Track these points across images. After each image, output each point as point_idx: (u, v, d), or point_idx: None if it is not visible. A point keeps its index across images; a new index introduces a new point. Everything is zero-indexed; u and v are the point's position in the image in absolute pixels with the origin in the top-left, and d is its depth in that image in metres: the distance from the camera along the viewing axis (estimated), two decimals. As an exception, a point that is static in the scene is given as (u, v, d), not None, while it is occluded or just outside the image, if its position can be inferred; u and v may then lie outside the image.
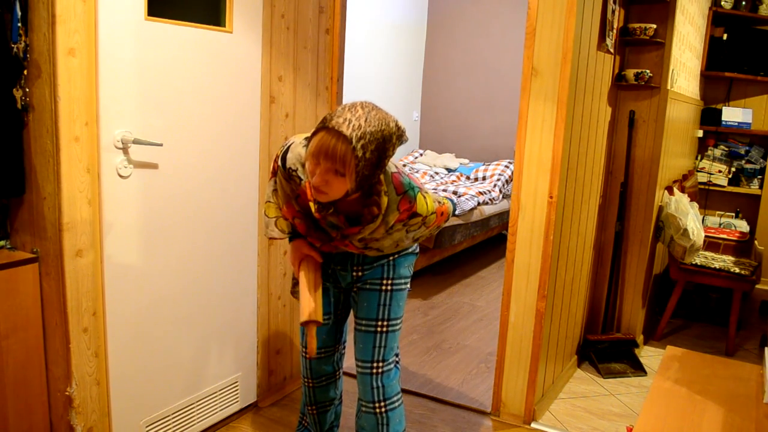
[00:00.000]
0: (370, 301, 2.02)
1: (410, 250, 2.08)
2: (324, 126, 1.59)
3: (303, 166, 1.79)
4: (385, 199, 1.75)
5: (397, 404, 2.07)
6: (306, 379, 2.23)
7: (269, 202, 2.00)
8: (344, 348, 2.30)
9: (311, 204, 1.80)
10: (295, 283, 2.23)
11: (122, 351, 2.16)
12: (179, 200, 2.30)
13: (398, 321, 2.06)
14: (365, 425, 2.08)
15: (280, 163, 1.86)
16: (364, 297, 2.04)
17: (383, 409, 2.04)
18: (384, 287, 2.03)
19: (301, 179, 1.82)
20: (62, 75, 1.82)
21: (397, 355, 2.10)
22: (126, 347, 2.18)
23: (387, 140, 1.62)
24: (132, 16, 2.02)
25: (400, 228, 1.87)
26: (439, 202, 1.97)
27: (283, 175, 1.86)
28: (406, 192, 1.79)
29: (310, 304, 1.89)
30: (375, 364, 2.03)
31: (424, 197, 1.86)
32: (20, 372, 1.94)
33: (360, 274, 2.04)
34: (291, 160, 1.82)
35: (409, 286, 2.10)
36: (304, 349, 2.17)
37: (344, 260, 2.04)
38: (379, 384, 2.03)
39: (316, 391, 2.24)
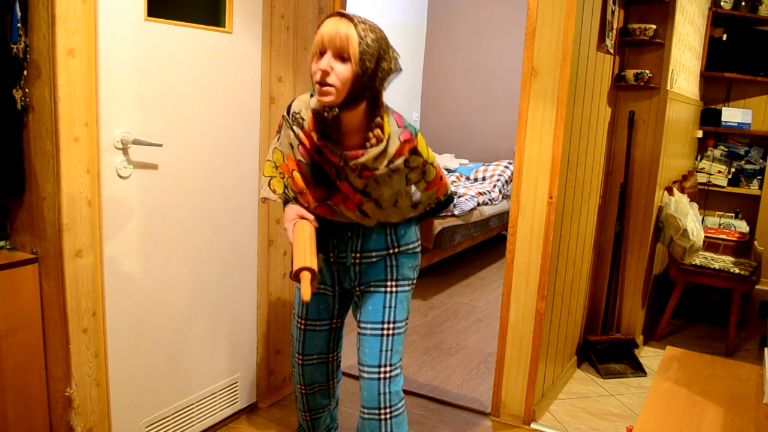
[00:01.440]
0: (375, 304, 1.98)
1: (411, 246, 2.03)
2: (329, 15, 1.71)
3: (307, 113, 1.87)
4: (389, 128, 1.80)
5: (400, 411, 2.01)
6: (299, 386, 2.17)
7: (269, 160, 1.98)
8: (340, 357, 2.23)
9: (313, 135, 1.82)
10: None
11: (122, 352, 2.16)
12: (179, 201, 2.30)
13: (404, 323, 2.01)
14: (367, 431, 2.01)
15: (285, 112, 1.92)
16: (368, 299, 1.99)
17: (388, 416, 1.97)
18: (389, 289, 1.99)
19: (304, 120, 1.85)
20: (62, 75, 1.82)
21: (400, 361, 2.05)
22: (126, 348, 2.18)
23: (384, 40, 1.72)
24: (132, 16, 2.02)
25: (401, 169, 1.84)
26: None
27: (288, 123, 1.90)
28: (407, 126, 1.84)
29: (303, 253, 1.78)
30: (383, 369, 1.96)
31: (425, 143, 1.89)
32: (20, 373, 1.94)
33: (358, 262, 1.98)
34: (296, 106, 1.90)
35: (412, 287, 2.06)
36: (298, 356, 2.13)
37: (344, 242, 1.98)
38: (387, 390, 1.96)
39: (309, 397, 2.18)
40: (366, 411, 1.99)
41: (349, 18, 1.67)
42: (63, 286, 1.92)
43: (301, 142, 1.86)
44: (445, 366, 3.41)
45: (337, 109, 1.73)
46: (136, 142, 2.08)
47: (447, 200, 2.09)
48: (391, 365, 1.97)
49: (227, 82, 2.42)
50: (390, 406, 1.97)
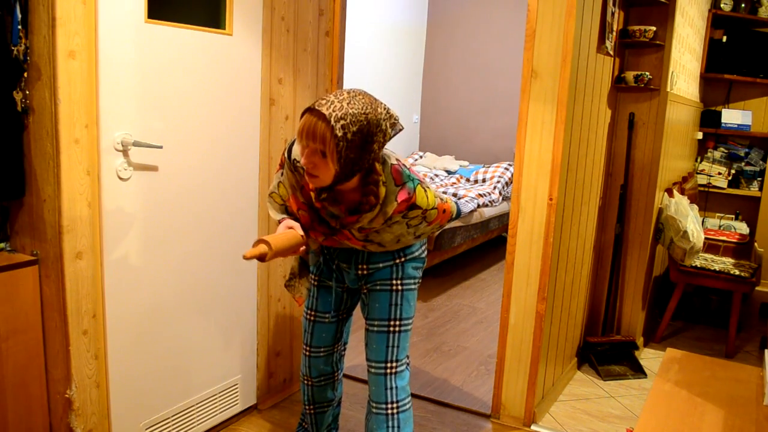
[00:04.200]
0: (382, 302, 2.03)
1: (417, 254, 2.07)
2: (308, 108, 1.66)
3: None
4: (383, 189, 1.79)
5: (407, 406, 2.07)
6: (305, 377, 2.24)
7: (275, 193, 2.05)
8: (344, 349, 2.30)
9: (312, 194, 1.85)
10: (291, 277, 2.25)
11: (122, 353, 2.16)
12: (179, 202, 2.30)
13: (410, 321, 2.07)
14: (375, 427, 2.07)
15: (286, 155, 1.93)
16: (375, 298, 2.04)
17: (395, 411, 2.04)
18: (395, 287, 2.03)
19: (304, 170, 1.84)
20: (62, 77, 1.82)
21: (407, 356, 2.11)
22: (126, 349, 2.17)
23: (372, 123, 1.65)
24: (132, 18, 2.02)
25: (400, 220, 1.87)
26: (442, 200, 1.98)
27: (288, 166, 1.92)
28: (405, 183, 1.82)
29: (270, 234, 1.85)
30: (389, 365, 2.03)
31: (425, 190, 1.87)
32: (20, 374, 1.94)
33: (365, 272, 2.04)
34: (296, 152, 1.88)
35: (417, 285, 2.10)
36: (306, 347, 2.20)
37: (348, 258, 2.04)
38: (394, 385, 2.03)
39: (315, 390, 2.25)
40: (374, 405, 2.06)
41: (324, 118, 1.60)
42: (63, 288, 1.92)
43: (302, 187, 1.90)
44: (446, 368, 3.41)
45: (330, 194, 1.80)
46: (136, 144, 2.08)
47: (452, 219, 2.11)
48: (397, 361, 2.04)
49: (227, 84, 2.43)
50: (397, 401, 2.04)
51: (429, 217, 1.93)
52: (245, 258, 1.75)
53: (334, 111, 1.61)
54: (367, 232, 1.89)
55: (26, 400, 1.97)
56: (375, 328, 2.04)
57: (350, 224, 1.84)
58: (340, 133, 1.60)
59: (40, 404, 2.01)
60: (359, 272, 2.05)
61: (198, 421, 2.52)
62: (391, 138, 1.74)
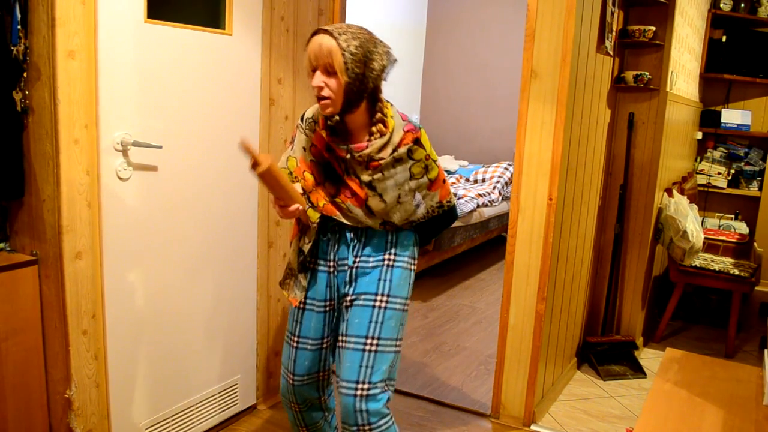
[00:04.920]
0: (362, 317, 1.92)
1: (406, 261, 1.98)
2: (312, 33, 1.79)
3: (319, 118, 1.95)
4: (391, 122, 1.88)
5: (383, 427, 1.90)
6: (292, 404, 2.11)
7: (283, 168, 2.01)
8: (329, 374, 2.14)
9: (323, 133, 1.90)
10: (287, 274, 2.10)
11: (122, 353, 2.16)
12: (179, 202, 2.30)
13: (391, 342, 1.92)
14: None
15: (299, 121, 2.01)
16: (355, 313, 1.93)
17: None
18: (378, 303, 1.92)
19: (316, 122, 1.94)
20: (62, 77, 1.82)
21: (387, 382, 1.93)
22: (125, 350, 2.17)
23: (370, 41, 1.80)
24: (131, 18, 2.02)
25: (405, 161, 1.88)
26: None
27: (301, 129, 1.99)
28: (410, 121, 1.93)
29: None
30: (360, 386, 1.87)
31: (428, 141, 1.96)
32: (19, 375, 1.94)
33: (357, 265, 1.95)
34: (309, 112, 1.99)
35: (406, 307, 1.99)
36: (289, 374, 2.06)
37: (346, 247, 1.98)
38: (363, 408, 1.87)
39: (303, 414, 2.13)
40: (345, 427, 1.92)
41: (329, 33, 1.75)
42: (63, 288, 1.92)
43: (313, 144, 1.96)
44: (445, 368, 3.41)
45: (337, 117, 1.86)
46: (135, 144, 2.08)
47: (451, 210, 2.06)
48: (369, 383, 1.87)
49: (227, 84, 2.43)
50: (369, 424, 1.88)
51: (431, 171, 1.95)
52: (242, 143, 1.67)
53: (335, 29, 1.76)
54: (373, 172, 1.86)
55: (26, 400, 1.97)
56: (350, 345, 1.90)
57: (359, 151, 1.84)
58: (344, 44, 1.73)
59: (39, 404, 2.01)
60: (356, 264, 1.95)
61: (198, 421, 2.52)
62: (389, 66, 1.85)
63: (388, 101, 1.93)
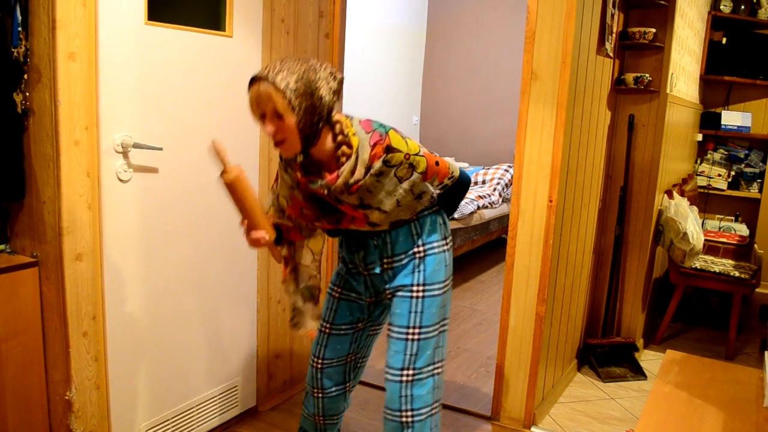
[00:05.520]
0: (402, 308, 1.98)
1: (437, 247, 2.00)
2: (248, 84, 1.72)
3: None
4: (355, 140, 1.80)
5: (424, 416, 1.97)
6: (315, 390, 2.15)
7: (273, 207, 2.03)
8: (359, 363, 2.21)
9: (298, 174, 1.86)
10: (294, 314, 2.16)
11: (122, 355, 2.16)
12: (179, 204, 2.30)
13: (433, 327, 1.98)
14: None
15: (279, 159, 1.95)
16: (396, 304, 2.00)
17: (410, 420, 1.95)
18: (415, 294, 1.97)
19: (289, 164, 1.90)
20: (62, 79, 1.82)
21: (435, 364, 2.00)
22: (126, 351, 2.17)
23: (309, 70, 1.71)
24: (132, 20, 2.03)
25: (386, 171, 1.82)
26: (433, 154, 1.95)
27: (282, 168, 1.94)
28: (375, 129, 1.82)
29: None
30: (405, 372, 1.95)
31: (401, 137, 1.85)
32: (20, 376, 1.94)
33: (391, 266, 1.98)
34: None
35: (446, 289, 2.03)
36: (317, 359, 2.12)
37: (372, 253, 1.99)
38: (408, 393, 1.95)
39: (326, 401, 2.16)
40: (388, 412, 2.00)
41: (263, 78, 1.68)
42: (63, 289, 1.92)
43: (297, 182, 1.91)
44: (446, 369, 3.39)
45: (301, 155, 1.83)
46: (136, 146, 2.08)
47: (458, 182, 2.04)
48: (414, 369, 1.96)
49: (227, 86, 2.43)
50: (411, 410, 1.96)
51: (418, 166, 1.87)
52: (213, 145, 1.80)
53: (269, 71, 1.68)
54: (359, 194, 1.83)
55: (26, 401, 1.97)
56: (395, 335, 1.99)
57: (334, 183, 1.80)
58: (282, 85, 1.65)
59: (39, 406, 2.01)
60: (384, 267, 1.98)
61: (198, 423, 2.51)
62: (337, 86, 1.77)
63: (347, 116, 1.86)
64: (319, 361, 2.12)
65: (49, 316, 1.97)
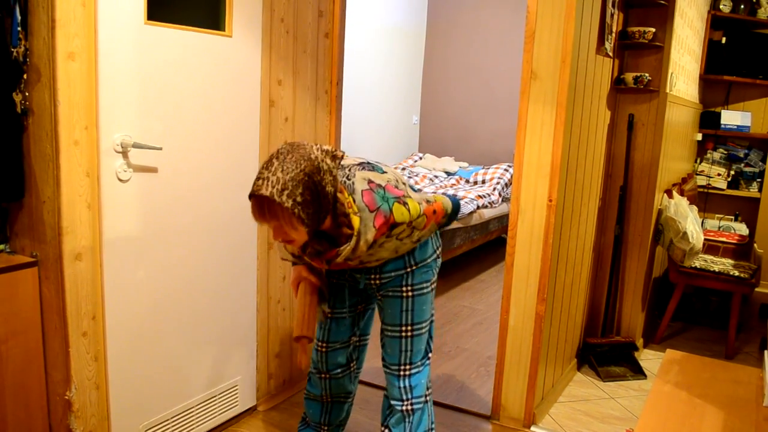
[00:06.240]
0: (393, 308, 2.07)
1: (429, 260, 2.08)
2: (249, 195, 1.65)
3: None
4: (356, 219, 1.74)
5: (421, 403, 2.12)
6: (320, 372, 2.24)
7: None
8: (364, 342, 2.30)
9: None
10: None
11: (122, 355, 2.16)
12: (179, 204, 2.30)
13: (424, 323, 2.10)
14: (393, 422, 2.14)
15: None
16: (387, 303, 2.08)
17: (410, 407, 2.10)
18: (405, 293, 2.06)
19: None
20: (62, 79, 1.82)
21: (426, 355, 2.13)
22: (125, 351, 2.17)
23: (314, 173, 1.63)
24: (131, 20, 2.02)
25: (388, 240, 1.87)
26: (428, 201, 1.95)
27: None
28: (379, 207, 1.77)
29: (303, 321, 1.99)
30: (402, 367, 2.09)
31: (404, 205, 1.81)
32: (19, 376, 1.94)
33: (377, 282, 2.05)
34: None
35: (433, 287, 2.12)
36: (321, 343, 2.21)
37: (360, 270, 2.05)
38: (407, 384, 2.10)
39: (332, 382, 2.25)
40: (392, 401, 2.14)
41: (268, 199, 1.59)
42: (63, 289, 1.92)
43: None
44: (446, 369, 3.41)
45: (309, 247, 1.84)
46: (135, 146, 2.08)
47: (452, 215, 2.10)
48: (410, 364, 2.10)
49: (227, 86, 2.43)
50: (411, 398, 2.10)
51: (418, 226, 1.91)
52: (303, 368, 1.99)
53: (272, 187, 1.59)
54: (360, 259, 1.89)
55: (26, 401, 1.97)
56: (389, 333, 2.09)
57: (333, 259, 1.80)
58: (289, 204, 1.59)
59: (39, 406, 2.01)
60: (371, 282, 2.06)
61: (198, 422, 2.51)
62: (338, 166, 1.71)
63: (348, 188, 1.77)
64: (323, 344, 2.21)
65: (48, 316, 1.97)
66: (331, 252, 1.80)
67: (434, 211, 1.96)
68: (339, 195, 1.74)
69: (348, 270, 2.08)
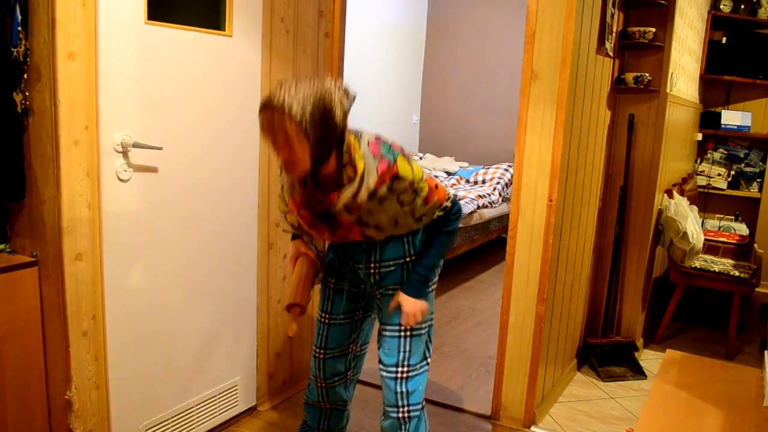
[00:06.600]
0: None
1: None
2: (260, 106, 1.67)
3: None
4: (361, 163, 1.77)
5: (418, 411, 2.06)
6: (317, 379, 2.21)
7: (279, 197, 2.04)
8: (363, 351, 2.27)
9: (297, 192, 1.88)
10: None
11: (122, 355, 2.16)
12: (179, 203, 2.30)
13: (422, 324, 2.05)
14: (388, 428, 2.09)
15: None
16: (386, 303, 2.05)
17: (406, 414, 2.04)
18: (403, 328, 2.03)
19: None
20: (62, 79, 1.82)
21: (425, 360, 2.08)
22: (125, 351, 2.17)
23: (325, 96, 1.66)
24: (132, 20, 2.02)
25: (389, 196, 1.84)
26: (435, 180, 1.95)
27: (282, 171, 1.94)
28: (384, 156, 1.80)
29: (295, 290, 1.99)
30: (400, 369, 2.03)
31: (408, 162, 1.84)
32: (19, 376, 1.94)
33: (377, 272, 2.02)
34: None
35: (433, 287, 2.10)
36: (319, 350, 2.17)
37: (360, 257, 2.03)
38: (404, 389, 2.03)
39: (329, 390, 2.21)
40: (387, 408, 2.07)
41: (277, 108, 1.62)
42: (63, 289, 1.92)
43: (296, 188, 1.91)
44: (446, 369, 3.41)
45: (310, 177, 1.82)
46: (136, 145, 2.08)
47: (453, 210, 2.05)
48: (408, 366, 2.03)
49: (227, 86, 2.43)
50: (407, 405, 2.04)
51: (420, 191, 1.88)
52: (292, 335, 1.93)
53: (284, 99, 1.62)
54: (358, 214, 1.85)
55: (26, 401, 1.97)
56: (387, 333, 2.05)
57: (334, 204, 1.80)
58: (298, 117, 1.61)
59: (39, 405, 2.01)
60: (371, 271, 2.02)
61: (198, 422, 2.51)
62: (350, 106, 1.74)
63: (356, 135, 1.82)
64: (321, 351, 2.18)
65: (49, 316, 1.97)
66: (332, 195, 1.79)
67: (436, 186, 1.94)
68: (347, 136, 1.76)
69: (349, 255, 2.05)
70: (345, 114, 1.72)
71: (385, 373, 2.06)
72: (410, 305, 1.99)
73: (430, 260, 2.03)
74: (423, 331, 2.06)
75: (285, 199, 2.00)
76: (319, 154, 1.70)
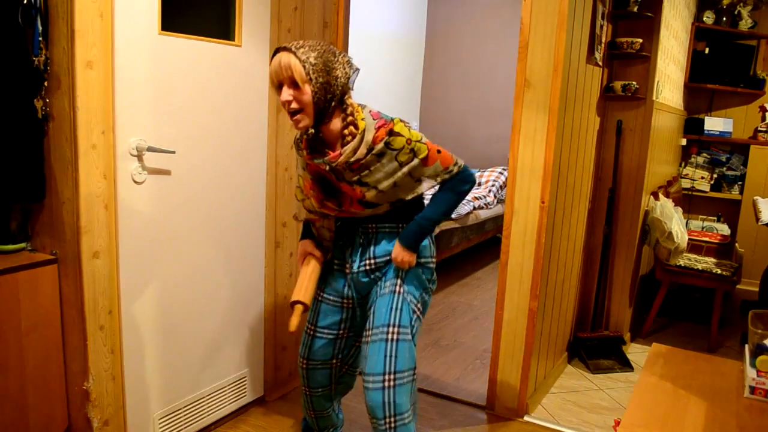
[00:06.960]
0: (381, 306, 1.92)
1: (423, 260, 1.99)
2: (273, 52, 1.81)
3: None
4: (362, 123, 1.85)
5: (407, 420, 1.89)
6: (304, 387, 2.20)
7: (297, 187, 2.07)
8: (347, 370, 2.24)
9: (304, 153, 1.91)
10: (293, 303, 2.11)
11: (136, 348, 2.16)
12: (191, 205, 2.30)
13: (408, 328, 1.91)
14: None
15: (293, 143, 2.02)
16: (378, 302, 1.95)
17: (392, 425, 1.86)
18: (397, 289, 1.94)
19: (301, 142, 1.95)
20: (80, 86, 1.82)
21: (413, 369, 1.91)
22: (140, 344, 2.18)
23: (328, 51, 1.79)
24: (146, 30, 2.03)
25: (388, 152, 1.84)
26: (439, 150, 1.93)
27: (295, 149, 1.99)
28: (383, 117, 1.89)
29: (300, 288, 1.99)
30: (387, 377, 1.84)
31: (406, 126, 1.91)
32: (40, 367, 1.95)
33: (372, 267, 1.99)
34: (297, 133, 2.00)
35: (424, 299, 2.02)
36: (303, 360, 2.15)
37: (357, 250, 2.01)
38: (392, 400, 1.84)
39: (314, 399, 2.20)
40: (372, 419, 1.89)
41: (287, 49, 1.76)
42: (81, 285, 1.92)
43: (306, 162, 1.95)
44: (443, 361, 3.41)
45: (312, 130, 1.85)
46: (150, 149, 2.08)
47: (461, 174, 1.95)
48: (396, 373, 1.85)
49: (236, 92, 2.43)
50: (395, 415, 1.85)
51: (419, 152, 1.88)
52: (293, 330, 1.91)
53: (293, 44, 1.77)
54: (359, 172, 1.84)
55: (46, 391, 1.97)
56: (374, 337, 1.89)
57: (336, 160, 1.83)
58: (303, 56, 1.73)
59: (59, 396, 2.02)
60: (366, 268, 1.99)
61: (208, 412, 2.52)
62: (354, 74, 1.84)
63: (360, 104, 1.91)
64: (304, 361, 2.14)
65: (67, 311, 1.97)
66: (335, 153, 1.84)
67: (438, 151, 1.92)
68: (350, 101, 1.86)
69: (347, 254, 2.03)
70: (347, 76, 1.81)
71: (370, 385, 1.85)
72: (401, 252, 1.92)
73: (430, 212, 1.94)
74: (408, 336, 1.91)
75: (301, 185, 2.02)
76: (321, 104, 1.77)
